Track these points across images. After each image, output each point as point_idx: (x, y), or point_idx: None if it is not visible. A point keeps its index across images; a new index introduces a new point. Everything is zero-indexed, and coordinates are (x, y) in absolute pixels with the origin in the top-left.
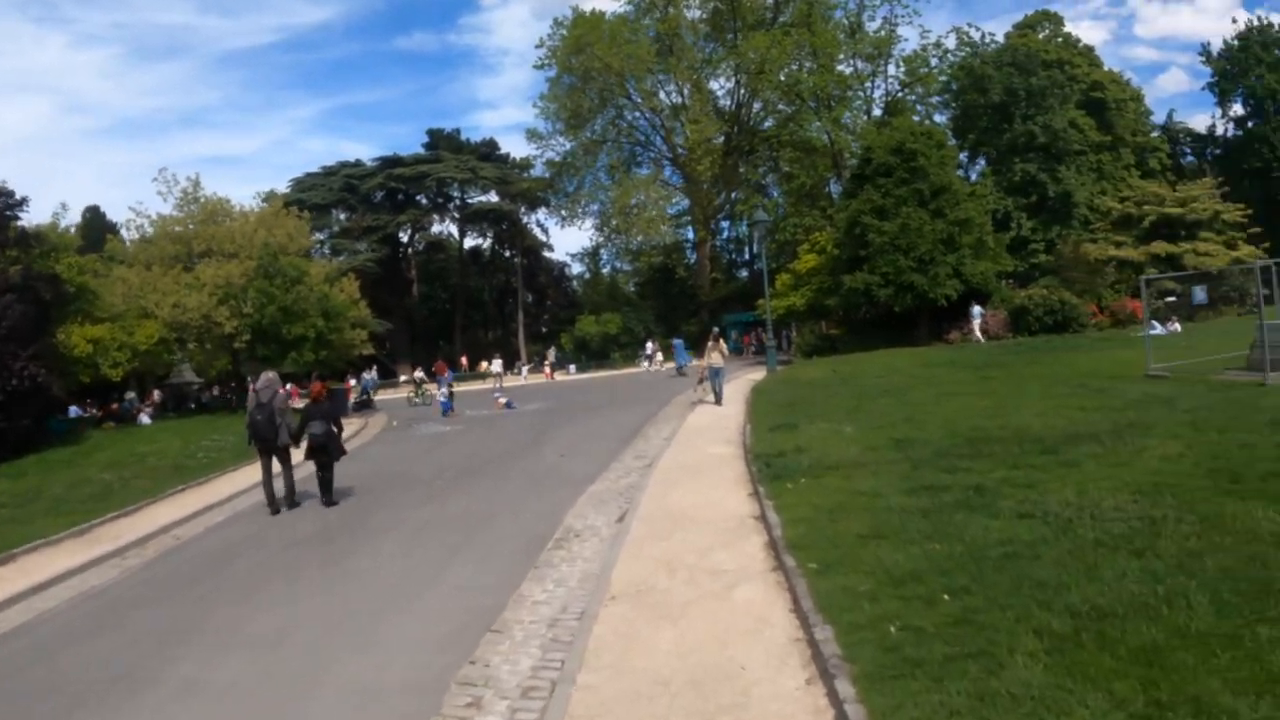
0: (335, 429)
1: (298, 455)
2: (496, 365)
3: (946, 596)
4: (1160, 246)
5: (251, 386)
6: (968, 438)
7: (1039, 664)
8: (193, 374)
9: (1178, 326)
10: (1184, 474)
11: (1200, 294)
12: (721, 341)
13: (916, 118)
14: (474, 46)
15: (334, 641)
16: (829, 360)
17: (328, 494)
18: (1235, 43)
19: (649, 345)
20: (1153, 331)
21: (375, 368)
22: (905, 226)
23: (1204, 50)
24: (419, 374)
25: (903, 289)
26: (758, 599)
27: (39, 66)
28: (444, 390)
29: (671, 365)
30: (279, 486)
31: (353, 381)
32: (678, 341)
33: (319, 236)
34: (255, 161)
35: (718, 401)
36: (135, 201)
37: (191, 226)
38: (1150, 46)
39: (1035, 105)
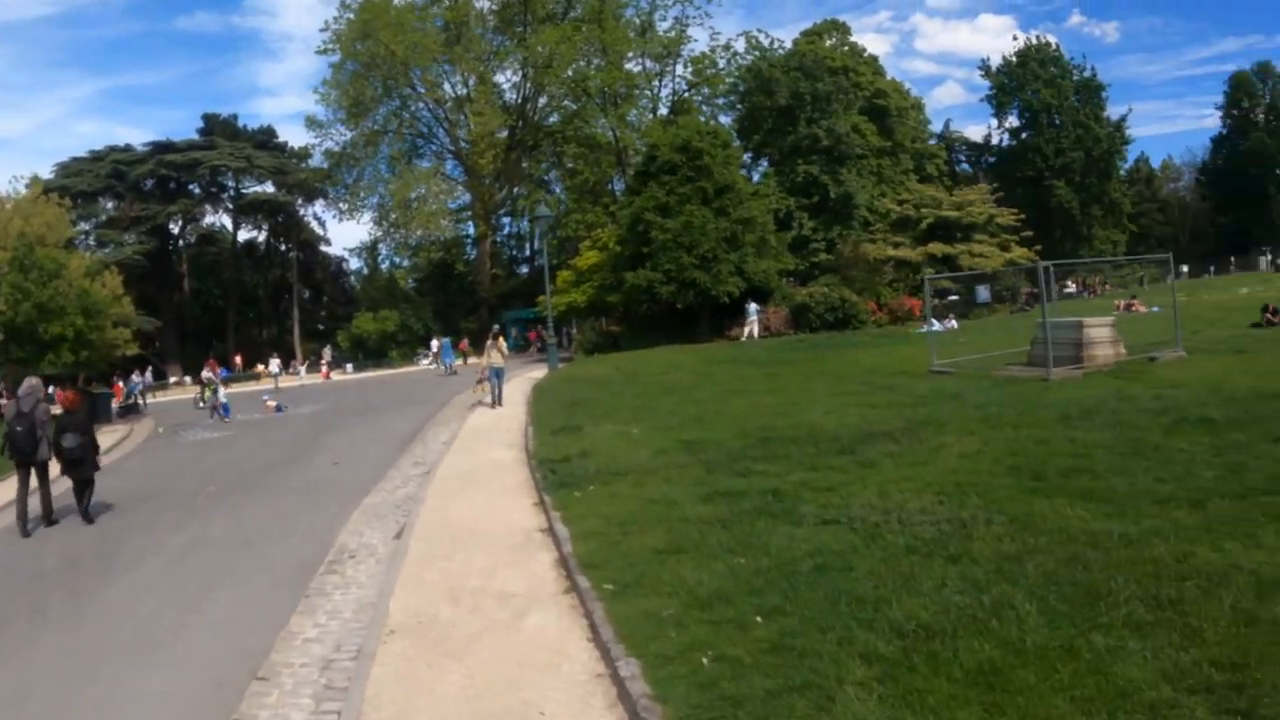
0: (91, 441)
1: (56, 469)
2: (274, 365)
3: (759, 619)
4: (937, 247)
5: (6, 394)
6: (759, 438)
7: (872, 695)
8: None
9: (954, 324)
10: (985, 472)
11: (983, 292)
12: (501, 340)
13: (702, 118)
14: (258, 30)
15: (78, 701)
16: (611, 358)
17: (86, 512)
18: (1014, 59)
19: (434, 343)
20: (932, 328)
21: (149, 369)
22: (688, 224)
23: (984, 65)
24: (207, 374)
25: (685, 286)
26: (552, 627)
27: None
28: (220, 392)
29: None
30: (35, 504)
31: (121, 384)
32: (445, 341)
33: (84, 226)
34: (22, 144)
35: (497, 403)
36: None
37: None
38: (929, 60)
39: (820, 109)
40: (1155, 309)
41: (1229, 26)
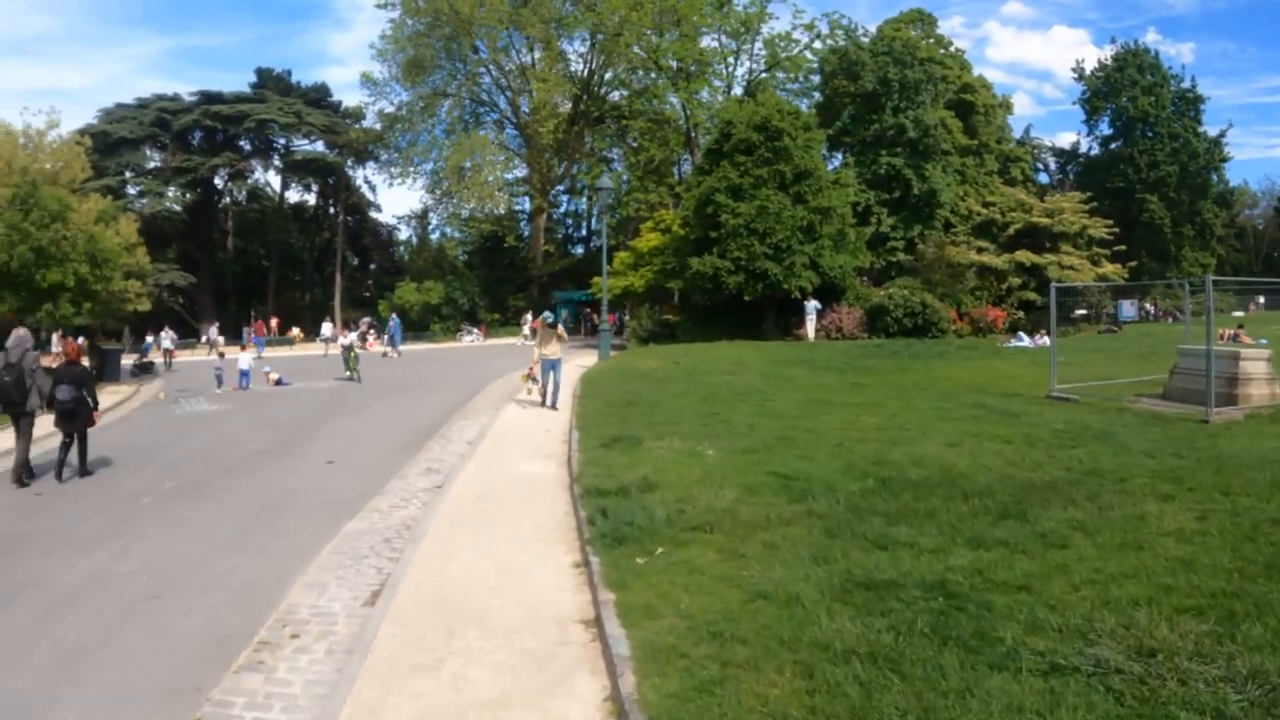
0: (88, 395)
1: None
2: (327, 330)
3: None
4: (1025, 255)
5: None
6: (878, 476)
7: None
8: None
9: (1046, 339)
10: (1237, 572)
11: (1128, 308)
12: (560, 326)
13: None
14: None
15: None
16: (668, 349)
17: (83, 465)
18: (1111, 62)
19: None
20: (1019, 343)
21: (165, 329)
22: (763, 209)
23: (1077, 68)
24: (352, 335)
25: (754, 277)
26: None
27: None
28: (242, 359)
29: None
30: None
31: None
32: (394, 320)
33: (127, 174)
34: (84, 97)
35: (551, 404)
36: None
37: None
38: (1000, 69)
39: (908, 99)
40: (1262, 341)
41: None
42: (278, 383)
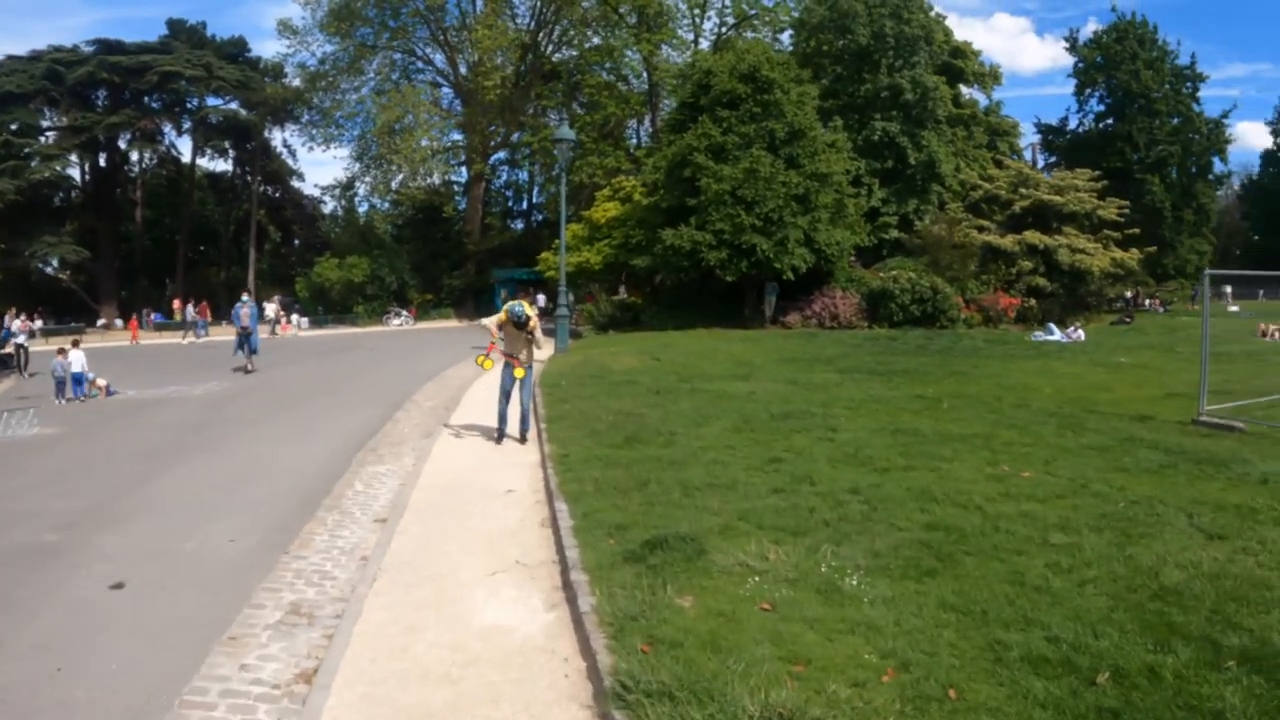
0: None
1: None
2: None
3: None
4: (1035, 236)
5: None
6: (1231, 649)
7: None
8: None
9: (1081, 333)
10: None
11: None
12: (535, 322)
13: None
14: None
15: None
16: (636, 339)
17: None
18: (1110, 34)
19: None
20: (1050, 336)
21: (25, 314)
22: (752, 173)
23: (1070, 37)
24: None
25: (739, 253)
26: None
27: None
28: (67, 362)
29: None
30: None
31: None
32: (247, 308)
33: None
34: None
35: (519, 434)
36: None
37: None
38: None
39: (903, 58)
40: None
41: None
42: (107, 392)
